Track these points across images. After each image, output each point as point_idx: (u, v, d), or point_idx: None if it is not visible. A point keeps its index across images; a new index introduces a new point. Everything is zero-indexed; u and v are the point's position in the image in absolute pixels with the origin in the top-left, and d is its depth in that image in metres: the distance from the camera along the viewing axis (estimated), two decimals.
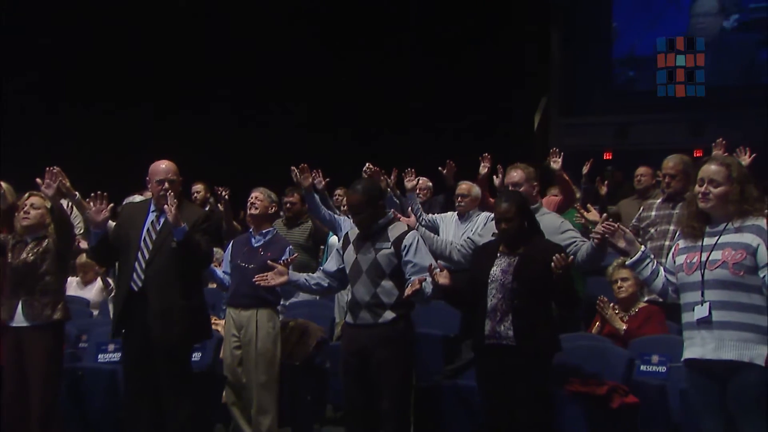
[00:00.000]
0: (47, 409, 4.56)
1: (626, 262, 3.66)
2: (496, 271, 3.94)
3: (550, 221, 4.35)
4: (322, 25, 11.82)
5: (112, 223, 4.93)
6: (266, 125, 11.61)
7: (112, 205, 4.56)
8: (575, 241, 4.24)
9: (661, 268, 3.48)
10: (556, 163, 5.91)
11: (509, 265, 3.93)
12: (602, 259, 4.34)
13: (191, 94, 11.05)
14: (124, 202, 5.54)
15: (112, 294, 5.68)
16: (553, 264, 3.74)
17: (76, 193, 5.16)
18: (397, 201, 5.55)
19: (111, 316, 5.49)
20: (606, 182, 7.57)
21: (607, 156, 12.61)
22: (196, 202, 7.39)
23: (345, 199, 5.91)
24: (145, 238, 4.48)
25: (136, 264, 4.45)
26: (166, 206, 4.33)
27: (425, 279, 3.97)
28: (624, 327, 4.74)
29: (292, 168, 6.83)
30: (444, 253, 4.53)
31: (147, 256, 4.45)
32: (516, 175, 4.53)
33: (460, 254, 4.46)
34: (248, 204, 5.19)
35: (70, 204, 5.35)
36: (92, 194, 4.45)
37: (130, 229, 4.54)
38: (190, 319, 4.48)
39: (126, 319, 4.49)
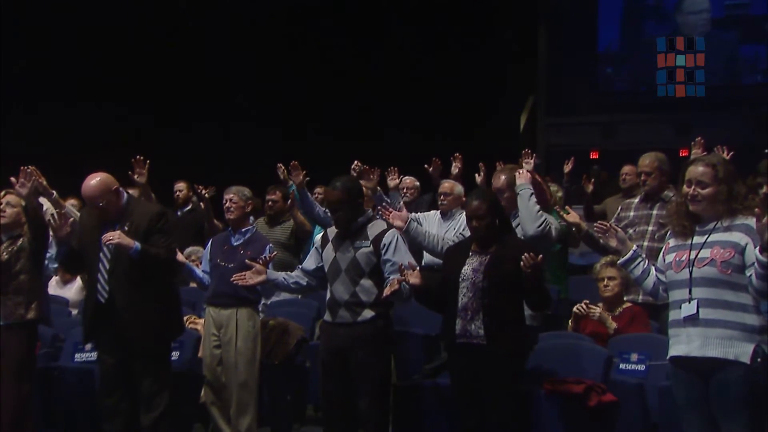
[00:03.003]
0: (19, 409, 4.52)
1: (618, 261, 3.65)
2: (467, 269, 3.92)
3: None
4: (302, 24, 11.79)
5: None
6: (249, 124, 11.57)
7: (72, 219, 4.54)
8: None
9: (653, 268, 3.48)
10: (528, 165, 5.90)
11: (480, 264, 3.91)
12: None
13: (174, 93, 10.99)
14: None
15: None
16: (522, 263, 3.72)
17: (53, 192, 5.14)
18: (388, 199, 5.52)
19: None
20: (592, 180, 7.57)
21: (594, 155, 12.66)
22: (178, 201, 7.35)
23: (324, 196, 5.90)
24: (103, 248, 4.41)
25: (99, 275, 4.43)
26: (110, 234, 4.26)
27: (404, 279, 3.95)
28: (615, 326, 4.72)
29: (279, 165, 6.81)
30: (435, 249, 4.51)
31: (108, 266, 4.41)
32: (497, 180, 4.51)
33: None
34: (224, 208, 5.15)
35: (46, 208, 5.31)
36: (51, 214, 4.42)
37: (88, 239, 4.49)
38: (163, 321, 4.46)
39: (97, 328, 4.47)
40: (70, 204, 5.96)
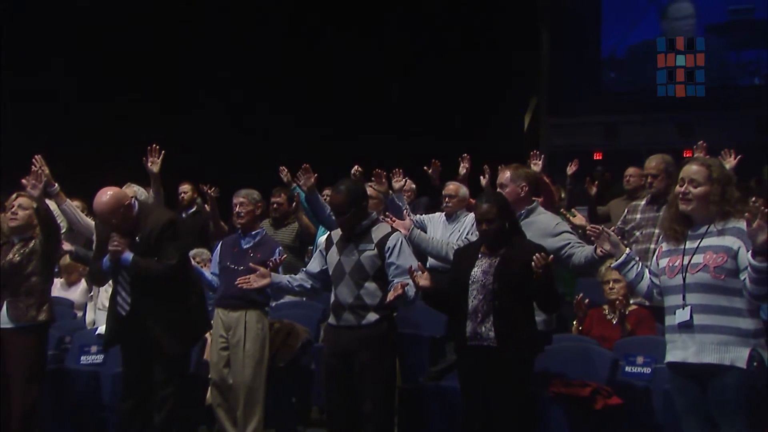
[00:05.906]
0: (27, 410, 4.54)
1: (611, 264, 3.64)
2: (477, 272, 3.91)
3: (545, 221, 4.31)
4: (307, 26, 11.81)
5: None
6: (254, 125, 11.59)
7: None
8: (570, 243, 4.21)
9: (647, 271, 3.47)
10: (536, 166, 5.89)
11: (490, 266, 3.90)
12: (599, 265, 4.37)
13: (179, 93, 11.01)
14: None
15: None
16: (533, 264, 3.72)
17: (56, 183, 5.09)
18: (399, 203, 5.49)
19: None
20: (596, 182, 7.56)
21: (597, 156, 12.66)
22: (183, 203, 7.35)
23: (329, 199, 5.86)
24: None
25: (119, 287, 4.45)
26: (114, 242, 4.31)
27: (408, 283, 3.94)
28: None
29: (281, 168, 6.80)
30: (441, 254, 4.49)
31: (129, 278, 4.43)
32: (501, 175, 4.49)
33: None
34: (234, 212, 5.14)
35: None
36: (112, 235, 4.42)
37: (105, 251, 4.47)
38: (185, 325, 4.47)
39: (119, 336, 4.49)
40: (74, 206, 5.92)
